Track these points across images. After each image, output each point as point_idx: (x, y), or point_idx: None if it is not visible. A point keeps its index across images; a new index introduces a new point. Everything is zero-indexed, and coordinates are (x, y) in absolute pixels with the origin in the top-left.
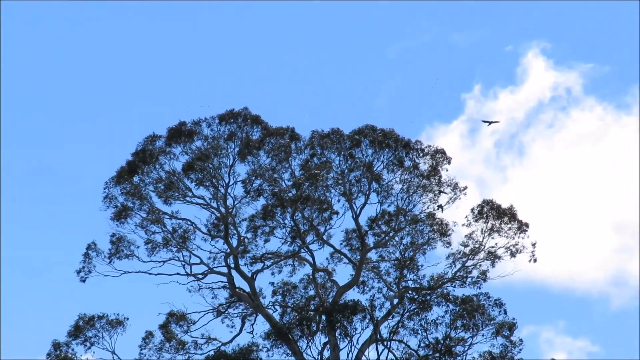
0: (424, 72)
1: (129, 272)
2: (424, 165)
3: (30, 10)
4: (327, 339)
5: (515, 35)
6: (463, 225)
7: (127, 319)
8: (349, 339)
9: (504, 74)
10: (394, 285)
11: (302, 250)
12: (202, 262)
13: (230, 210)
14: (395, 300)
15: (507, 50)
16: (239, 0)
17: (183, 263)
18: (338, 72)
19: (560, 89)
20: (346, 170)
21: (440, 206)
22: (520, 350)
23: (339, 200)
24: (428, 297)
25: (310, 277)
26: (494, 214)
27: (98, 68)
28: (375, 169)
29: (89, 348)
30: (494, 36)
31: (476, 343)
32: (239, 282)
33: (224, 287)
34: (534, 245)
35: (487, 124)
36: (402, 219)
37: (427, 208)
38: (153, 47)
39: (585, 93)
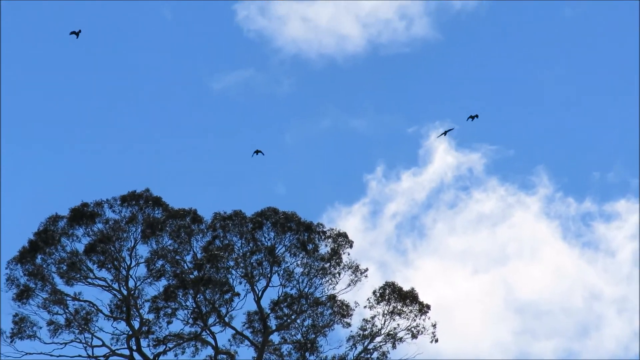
0: (324, 156)
1: (30, 354)
2: (326, 248)
3: None
4: None
5: (418, 117)
6: (365, 307)
7: None
8: None
9: (407, 155)
10: None
11: (204, 332)
12: (104, 344)
13: (132, 291)
14: None
15: (410, 132)
16: (141, 86)
17: (85, 345)
18: (238, 158)
19: (462, 169)
20: (248, 253)
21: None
22: None
23: (240, 283)
24: None
25: (212, 359)
26: (396, 296)
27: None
28: (277, 251)
29: None
30: (396, 118)
31: None
32: None
33: None
34: (434, 326)
35: (471, 119)
36: (304, 302)
37: (329, 290)
38: (56, 124)
39: (487, 174)
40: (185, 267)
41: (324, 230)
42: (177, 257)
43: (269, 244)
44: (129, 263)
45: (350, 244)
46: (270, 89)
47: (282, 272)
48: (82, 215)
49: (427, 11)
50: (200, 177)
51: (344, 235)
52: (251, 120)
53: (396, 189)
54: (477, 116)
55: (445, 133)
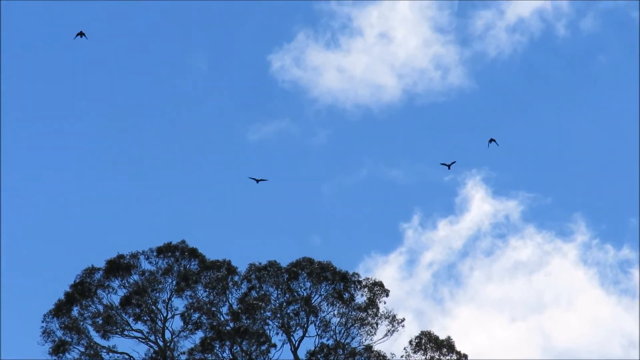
0: (360, 205)
1: None
2: (362, 297)
3: None
4: None
5: (455, 166)
6: (402, 357)
7: None
8: None
9: (443, 204)
10: None
11: None
12: None
13: (168, 344)
14: None
15: (447, 180)
16: (177, 137)
17: None
18: (274, 208)
19: (499, 216)
20: (284, 304)
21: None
22: None
23: (277, 333)
24: None
25: None
26: (433, 345)
27: (33, 196)
28: (313, 301)
29: None
30: (433, 167)
31: None
32: None
33: None
34: None
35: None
36: (341, 352)
37: (365, 340)
38: (92, 174)
39: (524, 221)
40: (222, 318)
41: (360, 279)
42: (213, 309)
43: (305, 294)
44: (165, 315)
45: (386, 292)
46: (306, 139)
47: (318, 322)
48: (118, 267)
49: (462, 60)
50: (236, 227)
51: (379, 285)
52: (287, 170)
53: (433, 237)
54: (494, 140)
55: (449, 166)
